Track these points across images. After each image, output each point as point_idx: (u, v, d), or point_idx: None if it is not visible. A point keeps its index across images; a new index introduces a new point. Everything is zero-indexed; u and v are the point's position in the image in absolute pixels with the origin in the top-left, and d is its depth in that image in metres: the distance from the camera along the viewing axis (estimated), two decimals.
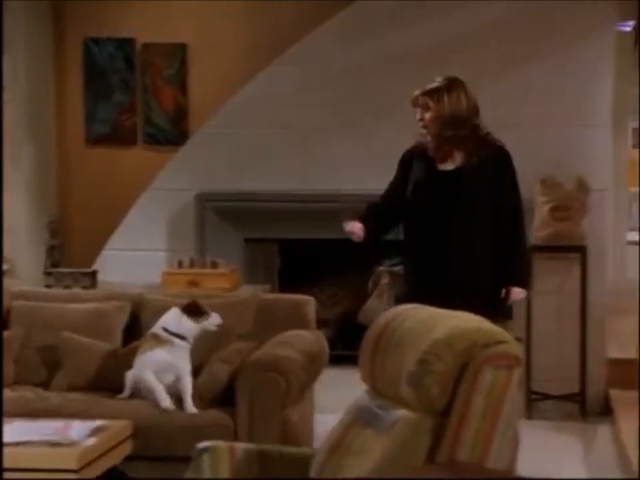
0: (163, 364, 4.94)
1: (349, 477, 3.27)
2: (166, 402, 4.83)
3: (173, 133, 7.39)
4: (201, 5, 7.32)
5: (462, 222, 4.83)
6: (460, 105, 4.88)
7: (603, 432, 6.26)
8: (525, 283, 4.95)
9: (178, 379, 4.91)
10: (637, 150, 9.72)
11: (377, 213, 5.13)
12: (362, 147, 7.02)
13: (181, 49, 7.34)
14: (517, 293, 4.88)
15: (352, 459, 3.37)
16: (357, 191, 6.92)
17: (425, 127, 4.94)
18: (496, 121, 6.71)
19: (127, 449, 4.49)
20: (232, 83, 7.17)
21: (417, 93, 4.99)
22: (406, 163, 5.08)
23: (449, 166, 4.90)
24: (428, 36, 6.90)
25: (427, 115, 4.91)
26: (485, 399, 3.13)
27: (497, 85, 6.80)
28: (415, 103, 4.98)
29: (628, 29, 8.11)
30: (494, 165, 4.90)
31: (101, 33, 7.35)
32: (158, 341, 4.96)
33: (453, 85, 4.92)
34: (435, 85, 4.94)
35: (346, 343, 7.23)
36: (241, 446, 3.74)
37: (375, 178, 6.89)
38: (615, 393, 6.53)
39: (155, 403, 4.86)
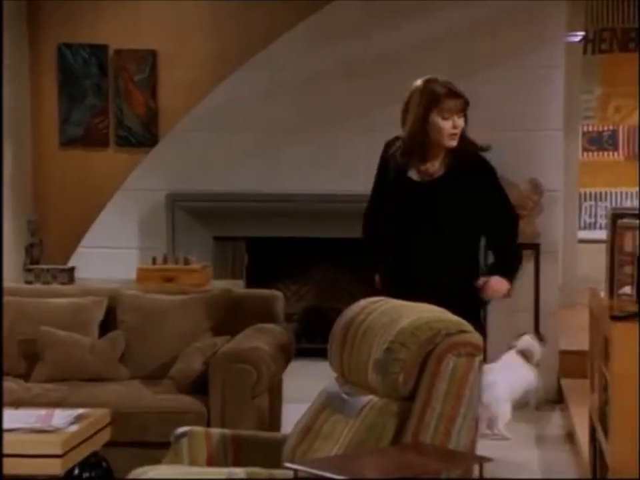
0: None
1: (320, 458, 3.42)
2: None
3: (144, 136, 7.49)
4: (171, 13, 7.43)
5: (435, 239, 4.49)
6: None
7: (555, 419, 6.51)
8: (509, 274, 4.57)
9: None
10: (588, 152, 9.92)
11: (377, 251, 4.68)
12: (325, 149, 7.16)
13: (151, 55, 7.47)
14: (497, 282, 4.52)
15: (322, 442, 3.53)
16: (321, 191, 7.12)
17: (457, 135, 4.46)
18: None
19: (106, 435, 4.60)
20: (200, 88, 7.30)
21: (452, 101, 4.44)
22: (383, 165, 4.67)
23: (426, 176, 4.53)
24: (386, 44, 7.02)
25: (461, 122, 4.47)
26: (447, 384, 3.33)
27: None
28: (455, 109, 4.45)
29: (577, 39, 8.33)
30: (474, 175, 4.55)
31: (75, 39, 7.44)
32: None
33: None
34: (451, 85, 4.49)
35: (310, 336, 7.41)
36: (216, 431, 3.91)
37: (337, 179, 7.15)
38: (566, 382, 6.76)
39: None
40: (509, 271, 4.59)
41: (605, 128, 9.90)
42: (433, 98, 4.44)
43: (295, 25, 7.12)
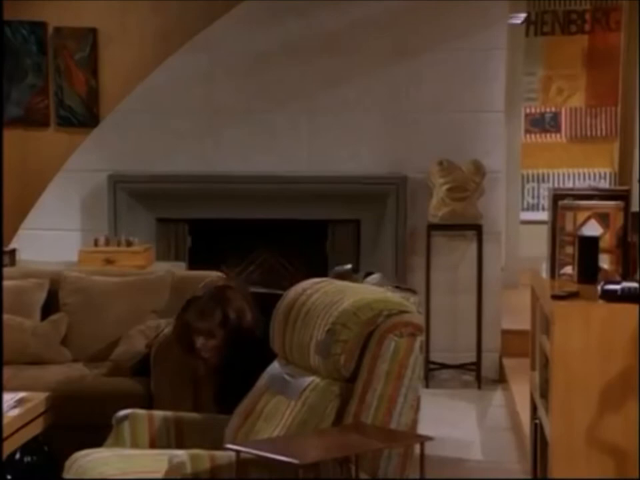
0: None
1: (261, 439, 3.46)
2: None
3: (85, 116, 7.42)
4: None
5: None
6: None
7: (496, 398, 6.59)
8: None
9: None
10: (530, 134, 10.00)
11: None
12: (267, 130, 7.16)
13: (92, 33, 7.39)
14: None
15: (264, 423, 3.57)
16: (263, 172, 7.12)
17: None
18: (396, 106, 7.06)
19: (48, 419, 4.57)
20: (142, 67, 7.24)
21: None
22: None
23: None
24: (328, 25, 7.03)
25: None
26: (388, 365, 3.36)
27: (395, 72, 7.00)
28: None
29: (519, 21, 8.39)
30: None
31: (14, 16, 7.35)
32: None
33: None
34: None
35: None
36: (159, 413, 3.91)
37: (279, 160, 7.15)
38: (507, 362, 6.85)
39: None
40: None
41: (547, 110, 9.99)
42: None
43: (235, 6, 7.10)
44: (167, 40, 7.26)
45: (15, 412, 4.31)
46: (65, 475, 3.65)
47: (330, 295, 3.58)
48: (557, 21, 9.65)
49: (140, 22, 7.38)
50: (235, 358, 4.43)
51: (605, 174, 9.82)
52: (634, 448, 3.84)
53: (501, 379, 6.88)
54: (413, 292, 4.23)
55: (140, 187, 7.16)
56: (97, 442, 3.82)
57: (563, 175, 10.02)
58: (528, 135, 9.89)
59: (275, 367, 3.76)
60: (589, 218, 4.42)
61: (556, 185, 9.76)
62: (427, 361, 6.82)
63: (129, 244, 6.47)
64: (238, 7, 7.11)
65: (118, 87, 7.33)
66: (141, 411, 3.90)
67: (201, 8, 7.24)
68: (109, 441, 3.84)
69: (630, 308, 3.86)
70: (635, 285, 3.95)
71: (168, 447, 3.78)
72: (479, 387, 6.76)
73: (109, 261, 6.30)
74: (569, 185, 9.77)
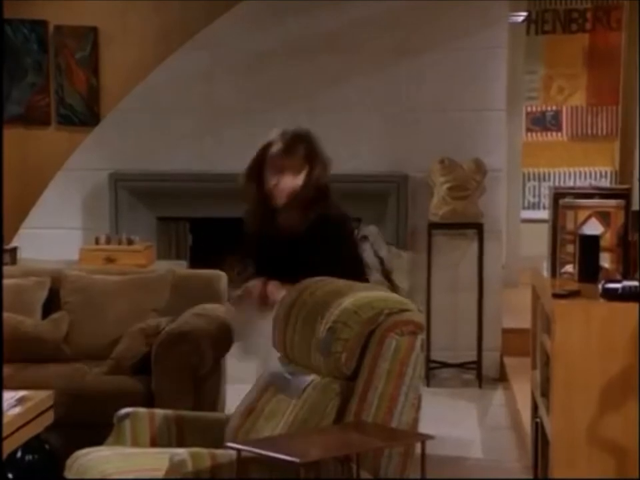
0: None
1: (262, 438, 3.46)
2: None
3: (86, 114, 7.43)
4: None
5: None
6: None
7: (497, 397, 6.59)
8: None
9: None
10: (531, 132, 10.01)
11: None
12: (268, 129, 7.14)
13: (92, 32, 7.40)
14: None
15: (265, 422, 3.58)
16: None
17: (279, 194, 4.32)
18: (397, 105, 7.06)
19: (49, 417, 4.56)
20: (143, 66, 7.25)
21: (276, 152, 4.35)
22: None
23: (280, 234, 4.35)
24: (329, 24, 7.03)
25: (290, 180, 4.32)
26: (389, 364, 3.37)
27: (396, 71, 7.00)
28: (280, 168, 4.32)
29: (520, 19, 8.38)
30: (323, 235, 4.28)
31: (15, 14, 7.35)
32: None
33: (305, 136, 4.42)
34: (290, 140, 4.36)
35: None
36: (160, 412, 3.91)
37: None
38: (508, 360, 6.84)
39: None
40: None
41: (548, 108, 9.99)
42: (263, 156, 4.42)
43: (235, 5, 7.11)
44: (168, 39, 7.27)
45: (16, 410, 4.29)
46: (66, 474, 3.65)
47: (331, 294, 3.59)
48: (558, 20, 9.65)
49: (141, 21, 7.40)
50: (312, 233, 4.22)
51: (606, 172, 9.83)
52: (634, 447, 3.85)
53: (501, 378, 6.88)
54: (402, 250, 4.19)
55: (141, 186, 7.17)
56: (98, 440, 3.81)
57: (564, 173, 10.02)
58: (529, 134, 9.89)
59: (275, 365, 3.76)
60: (589, 217, 4.43)
61: (557, 184, 9.77)
62: (428, 360, 6.82)
63: (129, 242, 6.48)
64: (238, 6, 7.12)
65: (119, 85, 7.34)
66: (141, 410, 3.90)
67: (202, 7, 7.25)
68: (109, 439, 3.84)
69: (630, 307, 3.87)
70: (635, 283, 3.96)
71: (169, 445, 3.78)
72: (480, 386, 6.76)
73: (109, 260, 6.31)
74: (570, 183, 9.77)
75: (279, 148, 4.37)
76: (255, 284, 4.34)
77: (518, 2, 8.01)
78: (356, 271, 4.27)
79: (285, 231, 4.31)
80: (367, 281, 4.33)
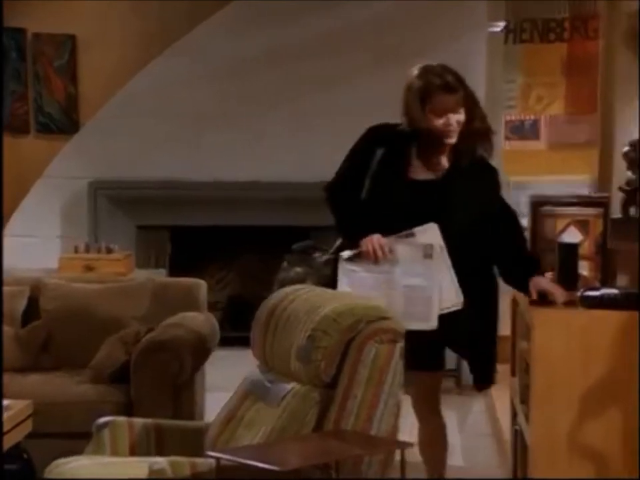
0: None
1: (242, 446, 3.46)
2: None
3: (64, 122, 7.43)
4: None
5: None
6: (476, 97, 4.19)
7: (477, 404, 6.60)
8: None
9: None
10: (510, 141, 10.02)
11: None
12: (249, 136, 7.18)
13: (70, 39, 7.40)
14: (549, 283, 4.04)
15: (244, 430, 3.56)
16: (245, 178, 7.13)
17: (454, 131, 4.06)
18: (379, 112, 7.06)
19: (28, 426, 4.52)
20: (122, 74, 7.26)
21: (444, 97, 4.06)
22: (367, 148, 4.30)
23: (425, 174, 4.13)
24: (311, 31, 7.10)
25: (455, 118, 4.05)
26: (369, 371, 3.37)
27: (377, 77, 7.04)
28: (448, 106, 4.05)
29: (498, 29, 8.42)
30: (485, 181, 4.17)
31: None
32: None
33: (458, 74, 4.19)
34: (449, 77, 4.13)
35: (234, 325, 7.41)
36: (139, 421, 3.89)
37: (261, 166, 7.16)
38: None
39: None
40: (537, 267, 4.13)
41: (527, 117, 10.01)
42: (425, 95, 4.10)
43: (217, 10, 7.10)
44: (147, 45, 7.28)
45: None
46: None
47: (311, 301, 3.59)
48: (536, 29, 9.67)
49: (119, 28, 7.40)
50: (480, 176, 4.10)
51: (585, 181, 9.86)
52: (614, 453, 3.86)
53: None
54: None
55: (120, 194, 7.17)
56: (77, 450, 3.79)
57: (543, 182, 10.05)
58: (508, 142, 9.91)
59: (255, 373, 3.76)
60: (568, 225, 4.44)
61: (536, 192, 9.78)
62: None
63: (109, 251, 6.48)
64: (219, 13, 7.15)
65: (98, 93, 7.34)
66: (120, 419, 3.89)
67: (182, 13, 7.26)
68: (89, 448, 3.82)
69: (609, 314, 3.88)
70: (614, 291, 3.98)
71: (148, 454, 3.77)
72: (460, 393, 6.77)
73: (89, 268, 6.31)
74: (549, 191, 9.79)
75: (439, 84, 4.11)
76: (370, 239, 4.01)
77: (496, 11, 8.04)
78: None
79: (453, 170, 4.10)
80: None
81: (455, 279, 4.00)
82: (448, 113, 4.05)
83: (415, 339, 3.67)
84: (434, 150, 4.11)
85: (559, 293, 3.98)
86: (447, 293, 3.99)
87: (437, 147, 4.09)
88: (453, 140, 4.07)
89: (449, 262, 4.00)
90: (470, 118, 4.09)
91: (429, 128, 4.05)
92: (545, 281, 4.05)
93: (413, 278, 4.01)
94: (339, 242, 4.21)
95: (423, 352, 3.99)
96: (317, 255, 4.25)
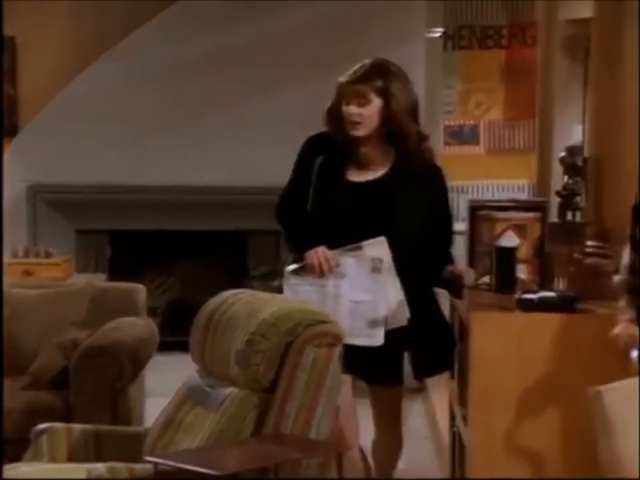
0: None
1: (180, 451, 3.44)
2: None
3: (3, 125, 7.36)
4: None
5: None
6: (406, 95, 4.17)
7: (416, 407, 6.63)
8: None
9: None
10: (450, 146, 10.09)
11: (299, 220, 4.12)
12: (189, 140, 7.17)
13: (10, 41, 7.33)
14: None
15: (183, 434, 3.55)
16: (184, 183, 7.12)
17: (358, 123, 4.01)
18: (316, 118, 7.08)
19: None
20: (61, 76, 7.22)
21: (345, 79, 4.13)
22: (308, 159, 4.19)
23: (364, 176, 4.07)
24: (249, 36, 7.11)
25: (366, 109, 4.02)
26: (307, 375, 3.37)
27: (315, 83, 7.04)
28: (353, 95, 4.05)
29: (437, 35, 8.48)
30: (427, 182, 4.11)
31: None
32: None
33: (387, 68, 4.24)
34: (363, 68, 4.16)
35: (173, 330, 7.38)
36: (77, 427, 3.86)
37: (201, 171, 7.15)
38: None
39: None
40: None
41: (466, 122, 10.09)
42: (337, 89, 4.18)
43: (154, 15, 7.09)
44: (86, 48, 7.25)
45: None
46: None
47: (250, 305, 3.58)
48: (474, 36, 9.76)
49: (58, 31, 7.36)
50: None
51: (523, 185, 9.95)
52: (551, 453, 3.91)
53: (420, 389, 6.92)
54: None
55: (60, 198, 7.12)
56: (16, 457, 3.77)
57: (482, 186, 10.13)
58: (447, 147, 9.98)
59: (194, 378, 3.75)
60: (506, 229, 4.48)
61: (474, 196, 9.86)
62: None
63: (48, 255, 6.44)
64: (158, 16, 7.14)
65: (37, 95, 7.29)
66: (58, 425, 3.86)
67: (119, 17, 7.23)
68: (27, 455, 3.79)
69: (546, 317, 3.93)
70: (551, 294, 4.03)
71: (86, 460, 3.74)
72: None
73: (27, 273, 6.27)
74: (488, 196, 9.87)
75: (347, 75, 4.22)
76: (315, 252, 3.96)
77: (434, 18, 8.10)
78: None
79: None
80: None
81: (402, 295, 3.97)
82: (351, 103, 4.03)
83: (370, 354, 3.71)
84: (352, 146, 4.05)
85: (467, 275, 4.03)
86: (394, 309, 3.98)
87: (352, 141, 4.03)
88: (358, 132, 4.01)
89: (396, 277, 3.97)
90: (392, 113, 4.02)
91: (340, 122, 4.03)
92: (457, 266, 4.09)
93: (359, 293, 3.97)
94: (290, 258, 4.16)
95: (378, 366, 4.02)
96: (275, 281, 4.23)
